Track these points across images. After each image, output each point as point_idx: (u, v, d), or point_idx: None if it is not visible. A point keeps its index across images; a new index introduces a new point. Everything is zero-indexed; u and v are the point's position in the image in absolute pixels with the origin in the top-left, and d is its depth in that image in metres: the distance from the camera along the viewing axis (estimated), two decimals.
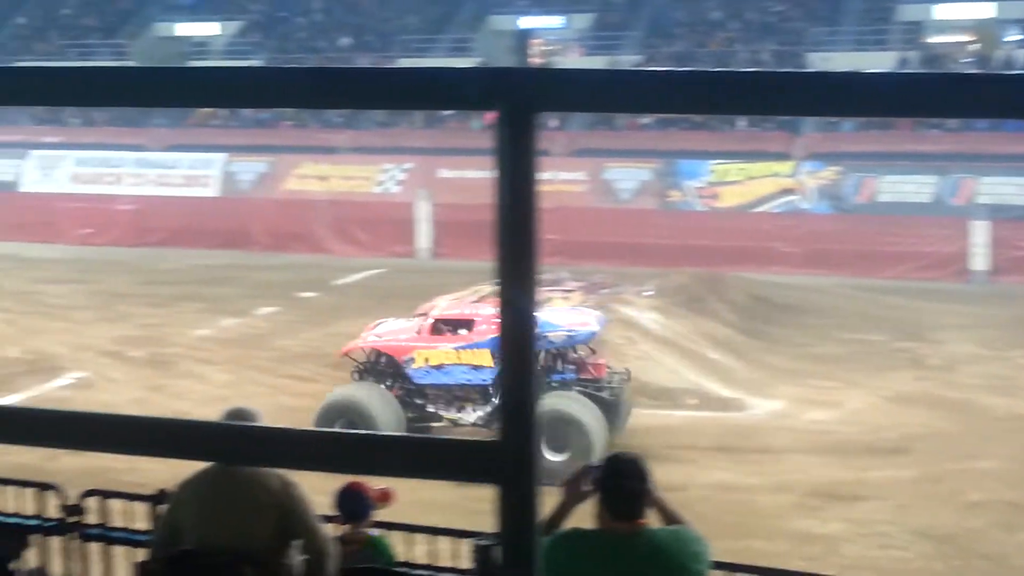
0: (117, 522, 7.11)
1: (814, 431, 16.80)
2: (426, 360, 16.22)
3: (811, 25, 36.78)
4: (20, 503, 7.18)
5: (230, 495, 5.42)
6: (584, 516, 4.44)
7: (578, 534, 4.29)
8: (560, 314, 16.93)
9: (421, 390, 16.37)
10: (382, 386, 16.37)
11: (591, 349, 16.62)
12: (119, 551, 6.98)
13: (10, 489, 7.27)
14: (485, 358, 15.76)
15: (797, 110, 1.45)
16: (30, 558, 6.93)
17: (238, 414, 6.29)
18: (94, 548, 7.06)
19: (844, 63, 32.13)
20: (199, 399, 18.48)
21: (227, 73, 1.55)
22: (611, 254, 27.70)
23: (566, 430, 14.73)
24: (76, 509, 6.96)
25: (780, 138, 32.02)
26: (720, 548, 5.03)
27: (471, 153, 32.41)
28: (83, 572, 7.04)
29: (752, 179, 30.88)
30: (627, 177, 31.71)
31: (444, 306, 17.76)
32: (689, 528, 4.43)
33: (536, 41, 42.19)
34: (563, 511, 4.39)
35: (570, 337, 16.18)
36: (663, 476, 4.52)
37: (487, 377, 15.79)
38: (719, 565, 5.64)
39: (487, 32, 39.95)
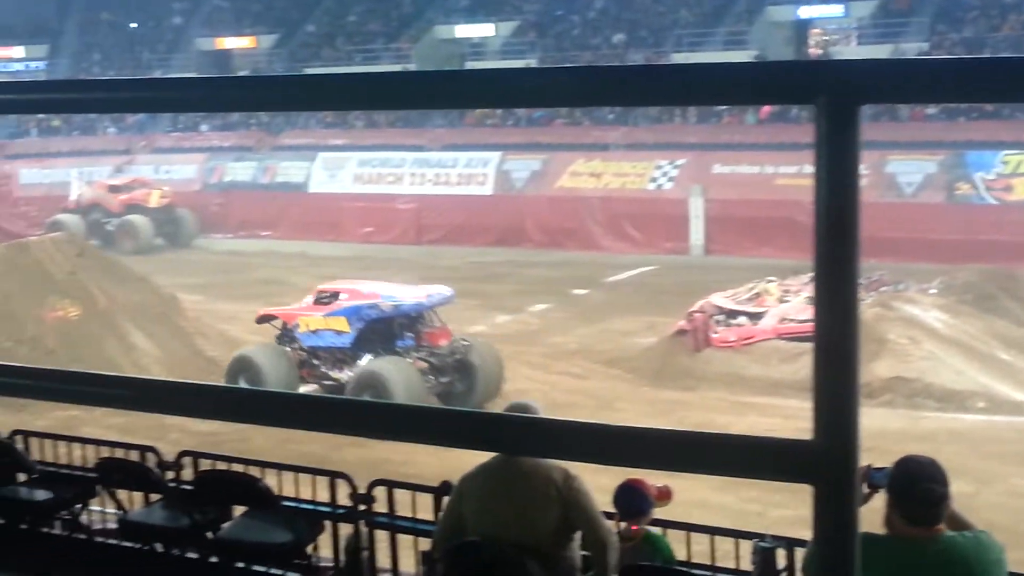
0: (402, 512, 7.33)
1: None
2: (307, 326, 18.84)
3: None
4: (314, 491, 7.51)
5: (514, 488, 5.51)
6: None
7: (869, 539, 4.12)
8: (402, 288, 19.41)
9: (315, 352, 18.90)
10: (287, 348, 18.97)
11: (440, 320, 18.97)
12: (404, 540, 7.20)
13: (305, 477, 7.61)
14: (343, 324, 18.42)
15: None
16: (323, 542, 7.27)
17: (520, 409, 6.40)
18: (381, 535, 7.31)
19: None
20: None
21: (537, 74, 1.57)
22: (894, 250, 26.66)
23: (373, 388, 17.08)
24: (365, 498, 7.21)
25: None
26: (1015, 559, 4.75)
27: (746, 148, 32.02)
28: (371, 558, 7.30)
29: None
30: (911, 170, 30.46)
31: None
32: (988, 535, 4.22)
33: (815, 31, 41.22)
34: None
35: (397, 307, 18.42)
36: (950, 481, 4.30)
37: (346, 341, 18.46)
38: None
39: (764, 24, 39.28)
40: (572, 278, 28.81)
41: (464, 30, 44.29)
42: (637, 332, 22.82)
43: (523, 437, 1.67)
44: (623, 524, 5.93)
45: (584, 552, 5.65)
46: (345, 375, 18.41)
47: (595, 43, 41.16)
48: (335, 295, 18.94)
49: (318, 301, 19.07)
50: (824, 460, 1.38)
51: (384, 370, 17.47)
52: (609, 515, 5.85)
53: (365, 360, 18.26)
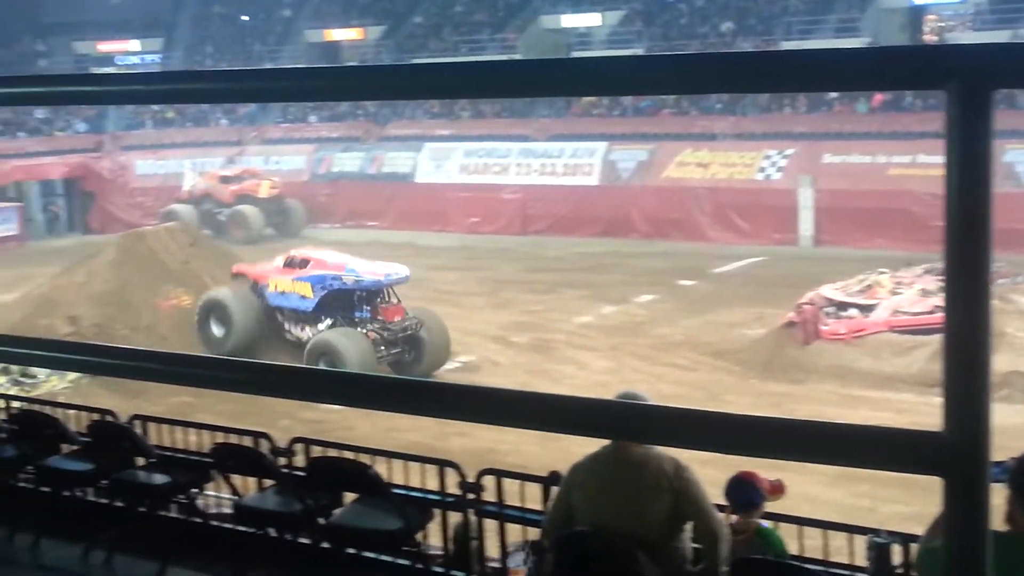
0: (510, 501, 7.35)
1: None
2: (276, 286, 20.73)
3: None
4: (423, 479, 7.57)
5: (625, 478, 5.48)
6: None
7: (993, 536, 4.00)
8: (366, 263, 20.76)
9: (280, 310, 20.76)
10: (257, 298, 20.90)
11: (396, 297, 20.51)
12: (513, 529, 7.22)
13: (415, 465, 7.67)
14: (307, 290, 20.22)
15: None
16: (432, 529, 7.32)
17: (629, 398, 6.38)
18: (489, 524, 7.34)
19: None
20: (579, 385, 18.89)
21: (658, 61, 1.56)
22: (1011, 242, 25.99)
23: (327, 356, 18.82)
24: (474, 486, 7.24)
25: None
26: None
27: (858, 138, 31.46)
28: (480, 546, 7.33)
29: None
30: None
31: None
32: None
33: (930, 17, 40.33)
34: None
35: (357, 282, 20.02)
36: None
37: (308, 306, 20.26)
38: None
39: (876, 10, 38.52)
40: (679, 269, 28.62)
41: (570, 20, 44.18)
42: (745, 324, 22.60)
43: (645, 424, 1.66)
44: (734, 517, 5.89)
45: (695, 544, 5.62)
46: (306, 334, 20.23)
47: (703, 32, 40.77)
48: (304, 262, 20.78)
49: (287, 264, 20.93)
50: (955, 453, 1.36)
51: (338, 341, 19.23)
52: (720, 508, 5.81)
53: (325, 324, 20.09)
